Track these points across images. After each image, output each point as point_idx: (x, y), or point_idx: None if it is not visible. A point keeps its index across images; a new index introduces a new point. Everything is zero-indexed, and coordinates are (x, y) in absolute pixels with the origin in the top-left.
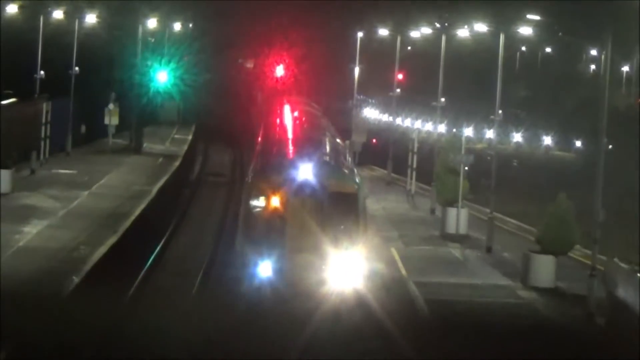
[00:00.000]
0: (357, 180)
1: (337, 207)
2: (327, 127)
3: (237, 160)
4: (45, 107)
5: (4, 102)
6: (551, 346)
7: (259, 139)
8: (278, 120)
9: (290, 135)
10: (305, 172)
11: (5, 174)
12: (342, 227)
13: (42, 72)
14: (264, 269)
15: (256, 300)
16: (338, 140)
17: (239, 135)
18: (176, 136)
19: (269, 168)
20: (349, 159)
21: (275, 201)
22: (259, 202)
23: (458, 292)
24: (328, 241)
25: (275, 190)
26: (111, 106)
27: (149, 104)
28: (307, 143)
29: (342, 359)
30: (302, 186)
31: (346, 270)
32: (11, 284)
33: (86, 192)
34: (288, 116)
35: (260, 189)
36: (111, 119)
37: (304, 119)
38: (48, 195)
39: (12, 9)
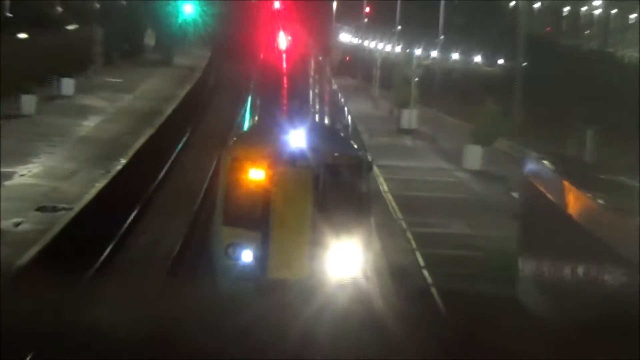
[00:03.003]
0: (359, 149)
1: (335, 184)
2: (322, 69)
3: (243, 71)
4: (99, 30)
5: (69, 27)
6: (478, 206)
7: (252, 85)
8: (271, 66)
9: (282, 86)
10: (298, 138)
11: (69, 81)
12: (340, 209)
13: (97, 5)
14: (245, 256)
15: (234, 294)
16: (333, 85)
17: (244, 52)
18: (197, 53)
19: (254, 131)
20: (347, 116)
21: (259, 174)
22: (240, 175)
23: (410, 171)
24: (323, 227)
25: (259, 160)
26: (149, 31)
27: (180, 30)
28: (301, 96)
29: None
30: (294, 156)
31: (342, 262)
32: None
33: (130, 96)
34: (282, 56)
35: (241, 159)
36: (149, 40)
37: (298, 58)
38: (101, 97)
39: None
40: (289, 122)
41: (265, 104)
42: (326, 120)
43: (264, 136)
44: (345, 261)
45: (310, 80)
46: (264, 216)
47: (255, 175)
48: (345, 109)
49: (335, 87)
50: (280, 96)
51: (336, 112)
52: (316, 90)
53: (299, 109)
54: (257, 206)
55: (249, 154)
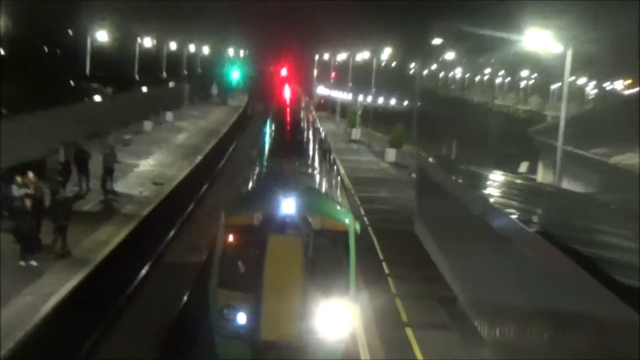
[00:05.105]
0: (348, 214)
1: (323, 249)
2: (308, 108)
3: (267, 108)
4: (186, 85)
5: (171, 83)
6: (394, 183)
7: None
8: (270, 130)
9: (285, 123)
10: (290, 205)
11: (169, 113)
12: (328, 273)
13: (185, 72)
14: (239, 318)
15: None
16: (318, 125)
17: (268, 98)
18: (240, 96)
19: (249, 196)
20: (334, 167)
21: (253, 241)
22: (234, 241)
23: (357, 163)
24: (312, 291)
25: (253, 228)
26: (214, 86)
27: (231, 86)
28: (297, 139)
29: None
30: (285, 224)
31: (330, 323)
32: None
33: (203, 121)
34: (286, 100)
35: (236, 226)
36: (214, 90)
37: (295, 101)
38: (187, 122)
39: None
40: (284, 183)
41: (270, 149)
42: (315, 180)
43: (258, 203)
44: (333, 323)
45: (302, 117)
46: (257, 280)
47: (249, 241)
48: (331, 155)
49: (319, 126)
50: (283, 134)
51: (324, 165)
52: (307, 134)
53: (294, 164)
54: (250, 270)
55: (243, 222)
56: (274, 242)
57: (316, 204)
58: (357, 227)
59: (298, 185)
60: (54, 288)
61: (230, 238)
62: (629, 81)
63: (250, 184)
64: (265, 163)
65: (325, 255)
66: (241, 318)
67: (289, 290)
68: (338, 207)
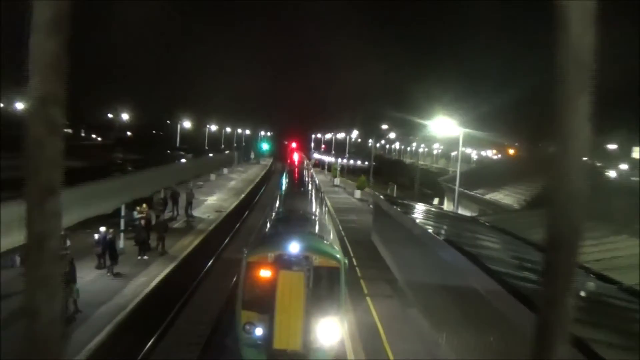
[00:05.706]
0: (339, 253)
1: (320, 281)
2: (309, 166)
3: (283, 165)
4: (235, 152)
5: (226, 151)
6: (359, 211)
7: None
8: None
9: (294, 177)
10: (296, 247)
11: (225, 169)
12: (324, 299)
13: (235, 145)
14: (257, 332)
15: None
16: (316, 179)
17: (284, 160)
18: (268, 159)
19: (265, 239)
20: (329, 221)
21: (268, 274)
22: (254, 274)
23: (337, 199)
24: (312, 312)
25: (268, 265)
26: (252, 152)
27: (262, 153)
28: (302, 191)
29: None
30: (292, 262)
31: (325, 336)
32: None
33: (245, 174)
34: (295, 161)
35: (255, 263)
36: (252, 155)
37: (300, 161)
38: (236, 174)
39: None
40: (291, 228)
41: (284, 197)
42: (315, 226)
43: (271, 245)
44: (327, 335)
45: (305, 173)
46: (270, 304)
47: (265, 275)
48: (326, 206)
49: (317, 181)
50: (292, 185)
51: (322, 215)
52: (308, 183)
53: (299, 211)
54: (266, 297)
55: (261, 260)
56: (283, 275)
57: (315, 246)
58: (346, 262)
59: (302, 231)
60: (158, 272)
61: (251, 271)
62: (495, 151)
63: (267, 228)
64: (280, 209)
65: (322, 286)
66: (259, 332)
67: (294, 311)
68: (332, 248)
